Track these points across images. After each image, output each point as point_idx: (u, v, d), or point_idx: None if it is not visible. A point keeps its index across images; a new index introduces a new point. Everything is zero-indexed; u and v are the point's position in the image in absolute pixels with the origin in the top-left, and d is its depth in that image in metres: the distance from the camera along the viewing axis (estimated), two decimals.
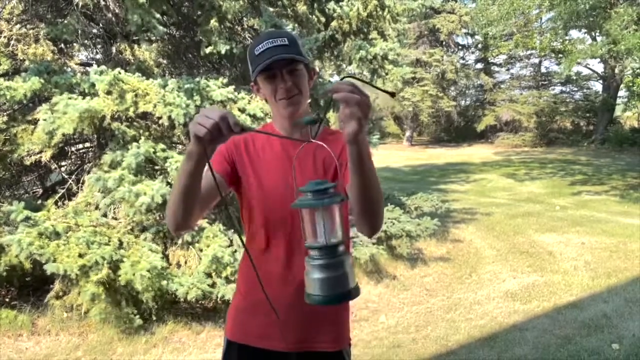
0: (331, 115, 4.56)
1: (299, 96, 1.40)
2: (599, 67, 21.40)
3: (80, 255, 3.43)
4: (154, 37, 4.56)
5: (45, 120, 3.56)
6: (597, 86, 22.97)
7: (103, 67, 3.68)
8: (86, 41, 4.71)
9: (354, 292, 1.11)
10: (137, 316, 3.75)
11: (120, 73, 3.65)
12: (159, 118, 3.78)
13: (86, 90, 3.75)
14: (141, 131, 4.00)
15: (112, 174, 3.59)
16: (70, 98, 3.59)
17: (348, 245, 1.49)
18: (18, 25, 4.29)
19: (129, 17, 3.77)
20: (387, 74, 4.62)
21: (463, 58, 25.59)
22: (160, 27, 3.87)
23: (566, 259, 5.58)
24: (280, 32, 1.43)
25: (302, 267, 1.17)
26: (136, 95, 3.71)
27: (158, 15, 3.85)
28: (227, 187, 1.44)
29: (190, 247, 3.91)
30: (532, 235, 6.62)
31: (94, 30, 4.70)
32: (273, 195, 1.42)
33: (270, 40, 1.38)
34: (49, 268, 3.37)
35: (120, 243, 3.73)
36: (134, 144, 3.73)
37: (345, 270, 1.10)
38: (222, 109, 1.13)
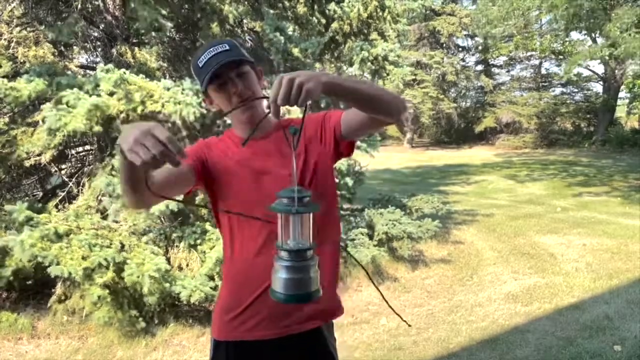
0: None
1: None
2: (599, 68, 21.44)
3: (84, 258, 3.42)
4: (155, 40, 4.55)
5: (49, 117, 3.49)
6: (598, 87, 23.02)
7: (110, 66, 3.66)
8: (86, 44, 4.71)
9: (314, 295, 1.18)
10: (140, 319, 3.75)
11: (125, 73, 3.64)
12: (165, 121, 3.77)
13: (90, 92, 3.73)
14: None
15: None
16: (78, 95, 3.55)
17: (337, 242, 1.55)
18: (18, 28, 4.29)
19: (139, 14, 3.71)
20: (387, 74, 4.62)
21: (463, 60, 25.61)
22: (168, 24, 3.82)
23: (567, 260, 5.57)
24: (220, 40, 1.45)
25: None
26: (142, 95, 3.70)
27: (164, 12, 3.81)
28: (194, 180, 1.43)
29: (192, 249, 3.91)
30: (533, 237, 6.61)
31: (94, 33, 4.70)
32: (250, 193, 1.43)
33: (211, 49, 1.40)
34: (53, 271, 3.33)
35: (122, 246, 3.72)
36: None
37: (310, 275, 1.17)
38: (161, 128, 1.02)
